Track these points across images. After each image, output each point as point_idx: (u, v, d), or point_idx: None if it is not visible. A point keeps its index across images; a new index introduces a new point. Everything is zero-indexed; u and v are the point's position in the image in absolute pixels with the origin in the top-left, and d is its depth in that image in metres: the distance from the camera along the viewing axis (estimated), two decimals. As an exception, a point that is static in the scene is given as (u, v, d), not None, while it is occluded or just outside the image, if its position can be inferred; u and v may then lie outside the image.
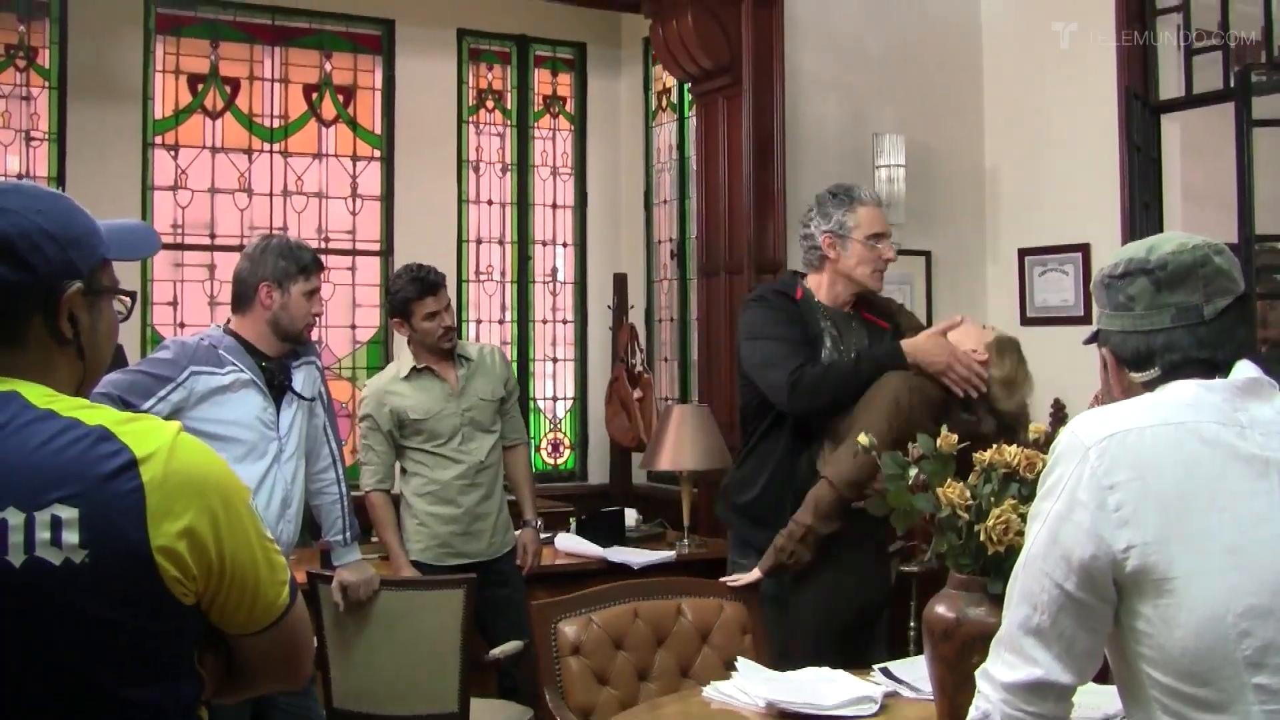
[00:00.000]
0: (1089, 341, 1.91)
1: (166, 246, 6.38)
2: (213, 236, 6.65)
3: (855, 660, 3.04)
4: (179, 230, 6.55)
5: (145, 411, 3.11)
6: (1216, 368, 1.74)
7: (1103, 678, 1.79)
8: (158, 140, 6.51)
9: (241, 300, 3.61)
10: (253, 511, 1.55)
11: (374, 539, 4.56)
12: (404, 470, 4.45)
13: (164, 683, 1.49)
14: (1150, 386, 1.77)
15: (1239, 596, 1.59)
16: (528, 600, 4.50)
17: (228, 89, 6.69)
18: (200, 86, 6.62)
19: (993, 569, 2.19)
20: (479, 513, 4.40)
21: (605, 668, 3.07)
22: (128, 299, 1.65)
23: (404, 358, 4.45)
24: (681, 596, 3.25)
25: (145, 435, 1.46)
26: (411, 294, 4.33)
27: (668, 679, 3.10)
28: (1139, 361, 1.79)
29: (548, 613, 3.08)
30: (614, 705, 2.97)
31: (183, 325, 6.47)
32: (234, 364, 3.50)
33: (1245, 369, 1.73)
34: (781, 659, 3.24)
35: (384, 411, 4.35)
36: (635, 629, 3.14)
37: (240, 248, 3.88)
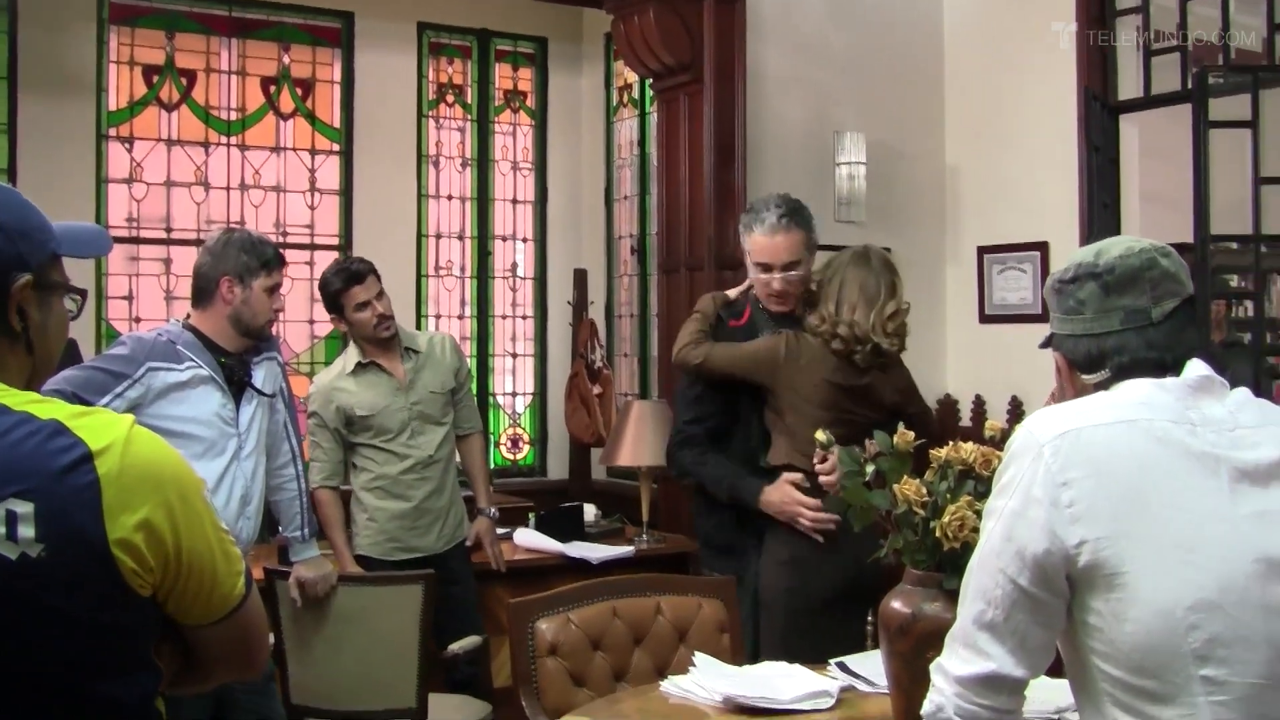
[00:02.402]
0: (1044, 345, 1.94)
1: (121, 240, 6.30)
2: (169, 230, 6.57)
3: (835, 647, 3.01)
4: (134, 224, 6.47)
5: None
6: (1166, 368, 1.77)
7: (1055, 671, 1.81)
8: (112, 132, 6.43)
9: (202, 295, 3.58)
10: (208, 503, 1.55)
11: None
12: (353, 465, 4.42)
13: (122, 675, 1.49)
14: (1102, 388, 1.80)
15: (1189, 590, 1.61)
16: (482, 597, 4.51)
17: (184, 81, 6.61)
18: (155, 78, 6.54)
19: (948, 565, 2.21)
20: (428, 507, 4.36)
21: (582, 670, 3.00)
22: (79, 297, 1.64)
23: (350, 353, 4.39)
24: (660, 594, 3.20)
25: (100, 429, 1.46)
26: (338, 285, 4.29)
27: (643, 680, 3.02)
28: (1090, 364, 1.82)
29: (525, 611, 2.99)
30: (589, 707, 2.91)
31: (138, 320, 6.40)
32: (193, 360, 3.46)
33: (1197, 368, 1.76)
34: (762, 651, 3.26)
35: (330, 409, 4.31)
36: (613, 628, 3.09)
37: (197, 242, 3.84)
